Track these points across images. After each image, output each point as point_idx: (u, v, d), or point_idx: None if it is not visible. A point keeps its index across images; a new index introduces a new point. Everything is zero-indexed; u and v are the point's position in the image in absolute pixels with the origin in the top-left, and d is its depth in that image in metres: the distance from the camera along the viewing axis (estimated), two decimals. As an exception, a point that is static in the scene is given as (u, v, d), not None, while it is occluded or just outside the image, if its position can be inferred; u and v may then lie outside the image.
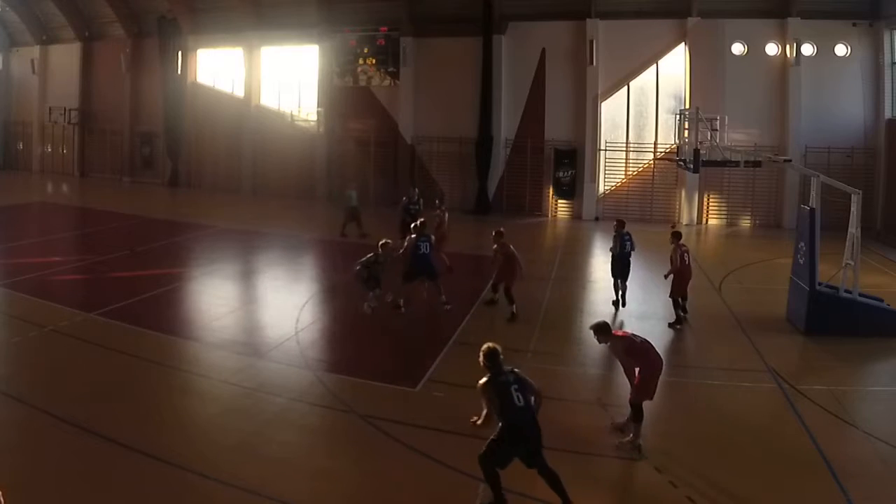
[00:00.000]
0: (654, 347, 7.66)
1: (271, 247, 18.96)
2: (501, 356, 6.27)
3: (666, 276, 12.41)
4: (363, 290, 12.19)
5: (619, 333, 8.01)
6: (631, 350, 7.58)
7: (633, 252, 13.28)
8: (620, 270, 13.13)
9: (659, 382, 7.62)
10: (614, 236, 13.28)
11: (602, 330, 7.70)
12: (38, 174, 35.01)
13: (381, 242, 12.25)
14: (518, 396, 6.09)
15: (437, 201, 17.62)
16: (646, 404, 7.50)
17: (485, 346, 6.35)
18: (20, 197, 27.34)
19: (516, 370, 6.38)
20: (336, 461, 7.22)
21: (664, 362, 7.85)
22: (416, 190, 18.90)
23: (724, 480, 6.91)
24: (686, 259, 12.20)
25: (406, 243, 12.71)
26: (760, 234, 22.67)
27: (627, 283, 13.25)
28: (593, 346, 10.93)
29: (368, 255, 12.22)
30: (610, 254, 13.42)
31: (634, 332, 8.07)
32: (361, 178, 25.69)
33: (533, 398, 6.24)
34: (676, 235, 12.47)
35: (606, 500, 6.71)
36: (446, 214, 16.58)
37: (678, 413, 8.71)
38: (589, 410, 8.65)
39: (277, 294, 14.37)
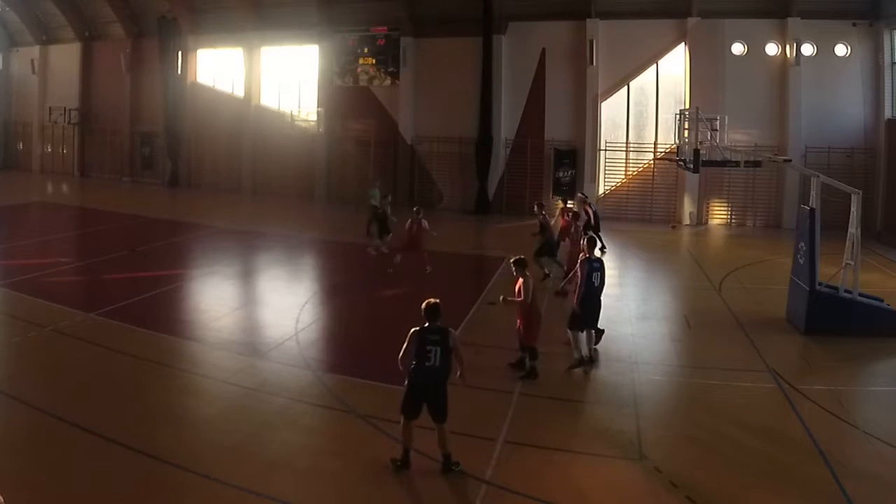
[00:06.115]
0: None
1: (271, 247, 18.96)
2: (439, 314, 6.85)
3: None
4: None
5: None
6: None
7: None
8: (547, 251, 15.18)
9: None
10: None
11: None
12: (38, 174, 34.98)
13: None
14: (434, 355, 6.66)
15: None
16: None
17: (430, 300, 6.91)
18: (20, 197, 27.32)
19: (451, 331, 6.89)
20: (336, 461, 7.21)
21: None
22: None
23: (724, 480, 6.91)
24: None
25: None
26: (760, 234, 22.68)
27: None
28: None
29: None
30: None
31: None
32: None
33: (454, 363, 6.84)
34: (576, 216, 14.86)
35: (606, 499, 6.70)
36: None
37: (678, 413, 8.71)
38: (589, 411, 8.66)
39: (277, 294, 14.37)
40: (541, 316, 9.72)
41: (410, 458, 6.91)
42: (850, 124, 22.65)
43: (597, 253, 10.90)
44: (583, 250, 10.48)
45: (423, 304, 6.87)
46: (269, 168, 29.25)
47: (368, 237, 18.63)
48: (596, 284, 9.97)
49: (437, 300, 6.90)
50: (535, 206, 15.68)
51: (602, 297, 10.32)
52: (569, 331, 10.03)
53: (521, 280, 9.32)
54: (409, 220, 15.64)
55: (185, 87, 30.92)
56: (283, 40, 28.86)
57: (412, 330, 6.81)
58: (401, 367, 6.89)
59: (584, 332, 9.94)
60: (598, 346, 10.46)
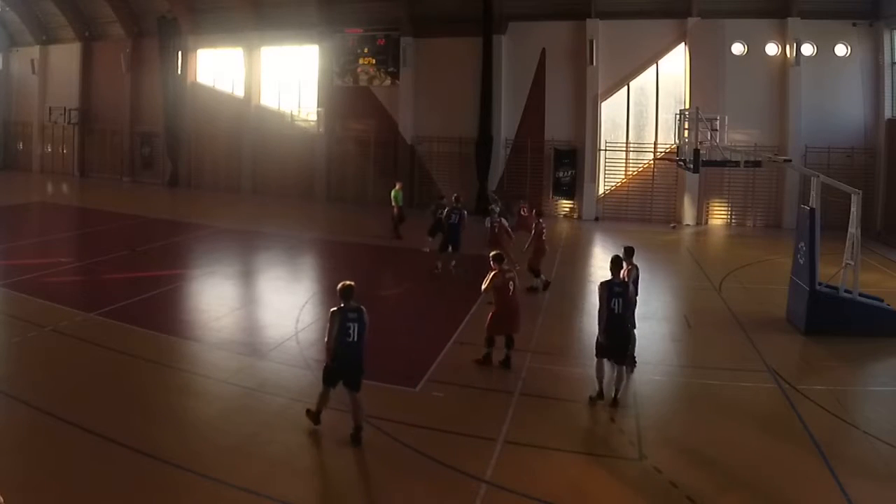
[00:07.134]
0: None
1: (271, 247, 18.95)
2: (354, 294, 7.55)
3: (526, 249, 14.74)
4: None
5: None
6: None
7: (461, 223, 15.72)
8: (452, 240, 15.54)
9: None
10: (448, 209, 15.92)
11: None
12: (38, 174, 34.96)
13: None
14: (353, 330, 7.41)
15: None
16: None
17: (344, 282, 7.63)
18: (20, 197, 27.31)
19: (364, 309, 7.56)
20: (336, 461, 7.21)
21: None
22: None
23: (724, 480, 6.92)
24: (543, 235, 14.51)
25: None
26: (760, 234, 22.68)
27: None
28: (593, 346, 10.97)
29: None
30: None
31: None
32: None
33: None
34: (538, 213, 15.27)
35: (607, 499, 6.70)
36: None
37: (678, 413, 8.71)
38: (589, 410, 8.65)
39: (277, 294, 14.37)
40: (516, 310, 9.92)
41: (321, 417, 7.62)
42: (850, 124, 22.66)
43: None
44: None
45: (339, 286, 7.63)
46: (269, 168, 29.25)
47: (394, 236, 19.81)
48: (617, 311, 8.64)
49: (352, 283, 7.66)
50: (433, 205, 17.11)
51: (632, 320, 9.21)
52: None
53: (493, 272, 9.80)
54: (489, 220, 15.38)
55: (185, 87, 30.91)
56: (283, 40, 28.85)
57: (332, 310, 7.52)
58: (327, 349, 7.55)
59: (610, 363, 8.82)
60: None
